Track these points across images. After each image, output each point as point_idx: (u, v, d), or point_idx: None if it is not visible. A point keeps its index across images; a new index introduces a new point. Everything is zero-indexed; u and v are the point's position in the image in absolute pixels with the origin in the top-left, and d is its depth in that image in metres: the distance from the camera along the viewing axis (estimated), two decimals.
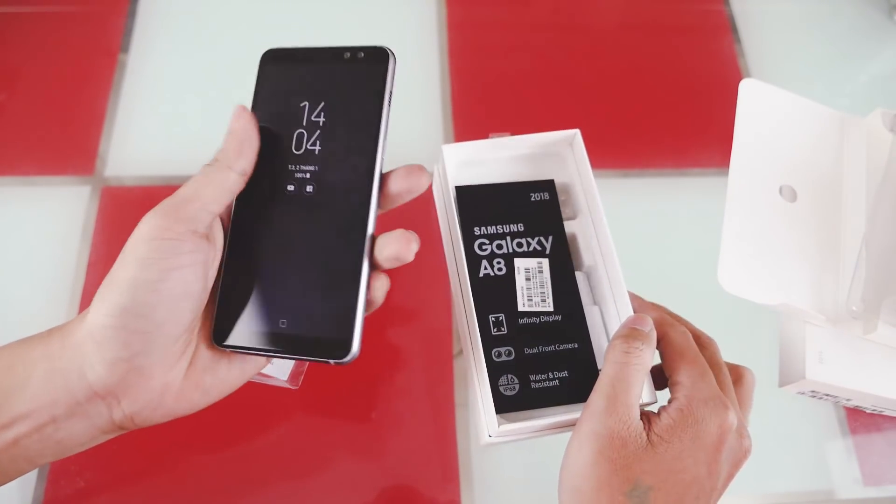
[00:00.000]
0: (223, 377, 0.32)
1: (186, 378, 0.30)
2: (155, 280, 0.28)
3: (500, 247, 0.38)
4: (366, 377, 0.44)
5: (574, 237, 0.40)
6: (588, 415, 0.30)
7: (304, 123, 0.34)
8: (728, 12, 0.61)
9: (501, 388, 0.35)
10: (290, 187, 0.33)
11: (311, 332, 0.32)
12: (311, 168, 0.34)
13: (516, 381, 0.35)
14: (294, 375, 0.42)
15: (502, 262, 0.38)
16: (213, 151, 0.54)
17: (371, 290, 0.32)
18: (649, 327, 0.33)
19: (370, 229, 0.32)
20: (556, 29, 0.59)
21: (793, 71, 0.58)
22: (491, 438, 0.35)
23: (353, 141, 0.33)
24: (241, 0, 0.58)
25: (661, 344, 0.33)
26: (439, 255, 0.48)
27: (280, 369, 0.42)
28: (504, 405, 0.35)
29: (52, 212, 0.49)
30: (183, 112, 0.53)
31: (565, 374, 0.35)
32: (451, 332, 0.46)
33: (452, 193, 0.40)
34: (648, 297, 0.37)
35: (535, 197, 0.40)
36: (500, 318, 0.36)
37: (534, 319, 0.36)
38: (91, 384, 0.28)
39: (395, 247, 0.31)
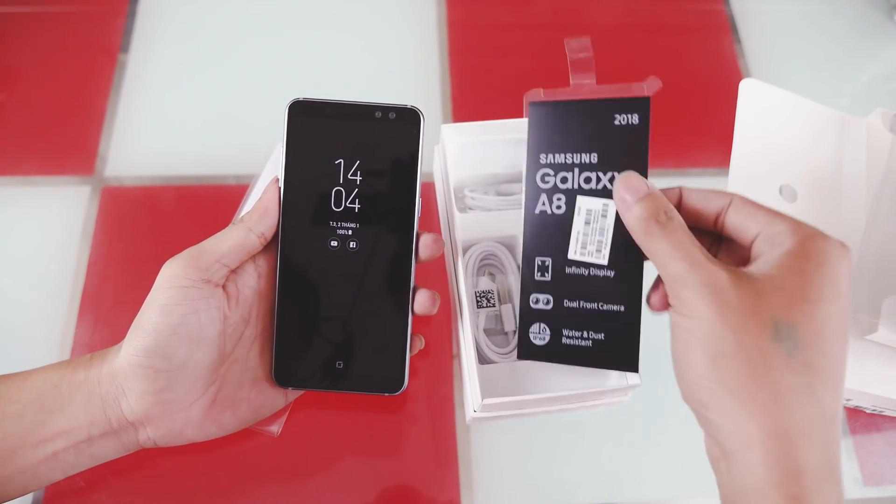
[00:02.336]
0: (241, 416, 0.35)
1: (207, 414, 0.34)
2: (175, 324, 0.32)
3: (564, 180, 0.33)
4: None
5: None
6: (677, 286, 0.27)
7: (342, 181, 0.37)
8: (728, 12, 0.61)
9: (531, 336, 0.33)
10: (334, 243, 0.37)
11: (365, 371, 0.36)
12: (353, 225, 0.37)
13: (548, 331, 0.33)
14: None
15: (563, 198, 0.33)
16: (213, 151, 0.54)
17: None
18: (647, 188, 0.30)
19: (412, 282, 0.37)
20: (556, 29, 0.59)
21: (793, 71, 0.58)
22: (476, 413, 0.36)
23: (392, 200, 0.37)
24: (240, 0, 0.58)
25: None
26: (440, 260, 0.48)
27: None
28: (531, 352, 0.33)
29: (52, 212, 0.49)
30: (183, 112, 0.53)
31: (601, 336, 0.32)
32: (451, 332, 0.46)
33: (526, 114, 0.35)
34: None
35: (619, 120, 0.32)
36: (547, 263, 0.33)
37: (583, 271, 0.33)
38: (123, 411, 0.32)
39: (426, 303, 0.36)
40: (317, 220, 0.37)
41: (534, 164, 0.33)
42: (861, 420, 0.45)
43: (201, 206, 0.49)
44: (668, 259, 0.27)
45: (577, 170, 0.33)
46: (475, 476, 0.42)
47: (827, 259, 0.26)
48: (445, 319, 0.46)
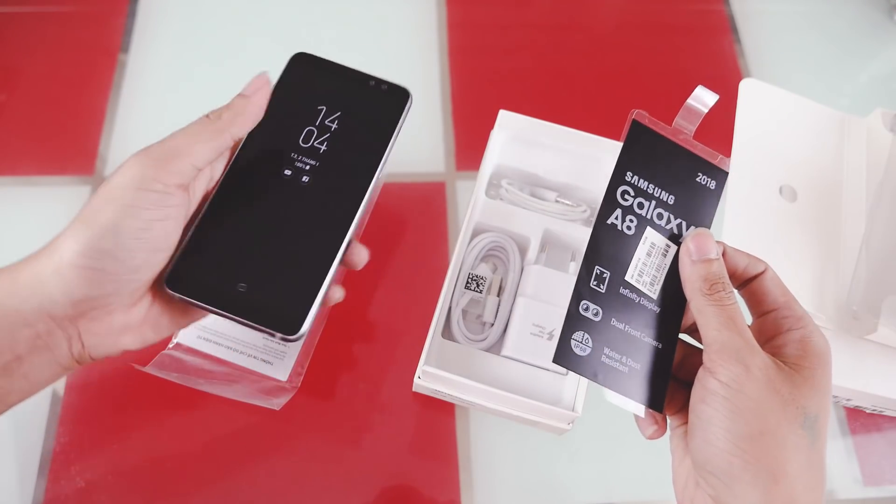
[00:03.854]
0: (177, 319, 0.33)
1: (145, 319, 0.32)
2: (140, 228, 0.29)
3: (640, 206, 0.33)
4: (365, 377, 0.44)
5: None
6: (726, 356, 0.28)
7: (317, 123, 0.38)
8: (728, 12, 0.61)
9: (573, 343, 0.31)
10: (287, 171, 0.36)
11: (266, 303, 0.33)
12: (312, 163, 0.37)
13: (591, 343, 0.32)
14: (294, 376, 0.42)
15: (635, 222, 0.33)
16: None
17: (330, 290, 0.35)
18: (716, 253, 0.31)
19: (350, 234, 0.35)
20: (556, 29, 0.59)
21: (793, 71, 0.58)
22: (419, 381, 0.38)
23: (357, 156, 0.37)
24: (240, 0, 0.58)
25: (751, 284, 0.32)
26: (442, 257, 0.48)
27: (280, 370, 0.42)
28: (568, 359, 0.31)
29: (52, 212, 0.49)
30: (183, 112, 0.53)
31: (637, 366, 0.32)
32: None
33: (626, 128, 0.35)
34: None
35: (701, 179, 0.34)
36: (605, 276, 0.32)
37: (633, 296, 0.32)
38: (54, 317, 0.29)
39: (358, 255, 0.36)
40: (281, 146, 0.37)
41: (619, 178, 0.33)
42: (861, 420, 0.45)
43: None
44: (724, 328, 0.29)
45: (654, 202, 0.33)
46: (475, 476, 0.42)
47: (828, 358, 0.29)
48: None
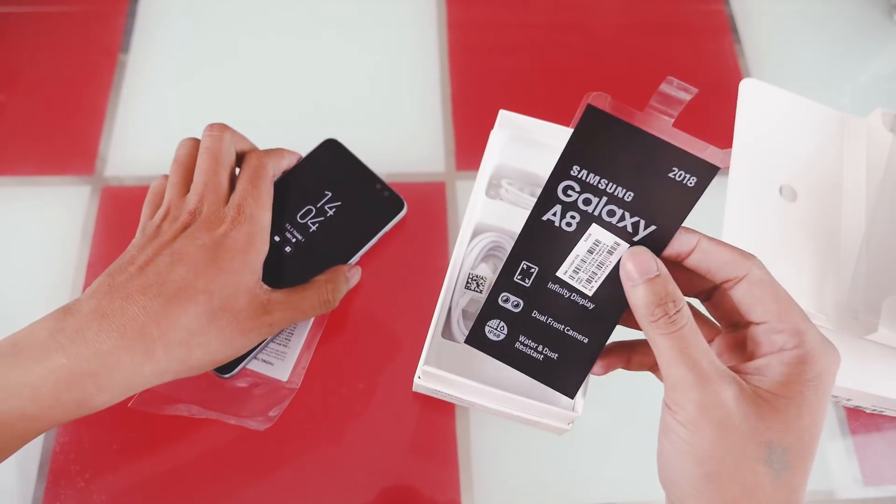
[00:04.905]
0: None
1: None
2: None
3: (587, 202, 0.30)
4: (365, 377, 0.44)
5: None
6: (679, 395, 0.26)
7: (318, 205, 0.44)
8: (728, 12, 0.61)
9: (487, 329, 0.32)
10: (276, 238, 0.42)
11: None
12: (300, 237, 0.43)
13: (505, 331, 0.32)
14: (294, 376, 0.42)
15: (577, 218, 0.30)
16: None
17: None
18: (657, 268, 0.28)
19: None
20: (556, 29, 0.59)
21: (793, 71, 0.58)
22: (419, 381, 0.38)
23: (338, 244, 0.44)
24: (241, 1, 0.58)
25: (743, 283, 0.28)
26: (442, 257, 0.48)
27: (280, 370, 0.42)
28: (480, 342, 0.32)
29: (52, 212, 0.49)
30: (183, 112, 0.53)
31: (554, 356, 0.32)
32: None
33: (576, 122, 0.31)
34: None
35: (676, 174, 0.28)
36: (532, 271, 0.31)
37: (563, 291, 0.31)
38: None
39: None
40: (282, 213, 0.43)
41: (562, 173, 0.30)
42: (861, 420, 0.45)
43: None
44: (673, 362, 0.27)
45: (605, 199, 0.29)
46: (475, 476, 0.42)
47: (824, 380, 0.26)
48: None
